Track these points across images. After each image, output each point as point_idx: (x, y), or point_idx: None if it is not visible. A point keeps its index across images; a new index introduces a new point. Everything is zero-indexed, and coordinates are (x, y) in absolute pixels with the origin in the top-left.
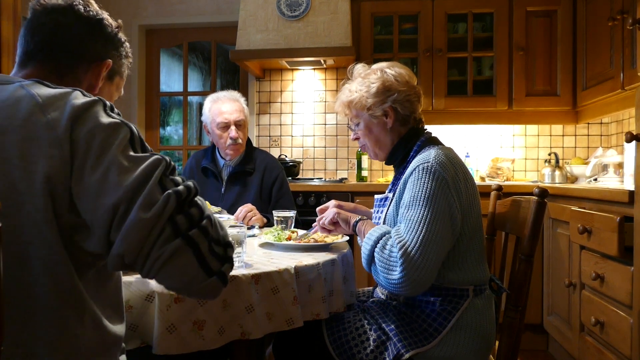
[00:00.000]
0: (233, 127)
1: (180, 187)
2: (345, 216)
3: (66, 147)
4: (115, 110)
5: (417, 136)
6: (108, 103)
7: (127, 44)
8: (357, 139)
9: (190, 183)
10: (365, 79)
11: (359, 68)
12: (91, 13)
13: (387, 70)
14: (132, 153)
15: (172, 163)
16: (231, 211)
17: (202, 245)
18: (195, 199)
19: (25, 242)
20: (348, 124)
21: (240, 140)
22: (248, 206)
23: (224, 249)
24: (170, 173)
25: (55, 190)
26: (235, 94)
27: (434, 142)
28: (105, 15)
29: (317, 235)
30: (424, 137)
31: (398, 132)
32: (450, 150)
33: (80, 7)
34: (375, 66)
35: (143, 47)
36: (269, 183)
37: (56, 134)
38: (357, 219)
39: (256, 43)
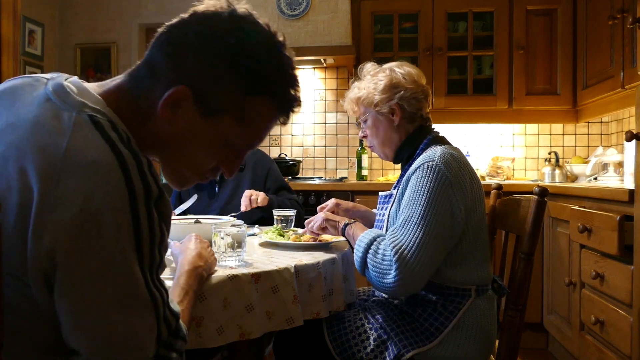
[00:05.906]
0: None
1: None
2: (333, 221)
3: None
4: None
5: (424, 135)
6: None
7: None
8: (365, 136)
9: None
10: (374, 77)
11: (369, 67)
12: None
13: (396, 69)
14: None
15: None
16: (226, 209)
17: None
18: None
19: None
20: (356, 122)
21: None
22: (247, 192)
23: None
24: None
25: None
26: None
27: (441, 141)
28: None
29: (306, 236)
30: (431, 135)
31: (405, 129)
32: (456, 150)
33: None
34: (384, 65)
35: (143, 46)
36: (261, 177)
37: None
38: (345, 223)
39: None
